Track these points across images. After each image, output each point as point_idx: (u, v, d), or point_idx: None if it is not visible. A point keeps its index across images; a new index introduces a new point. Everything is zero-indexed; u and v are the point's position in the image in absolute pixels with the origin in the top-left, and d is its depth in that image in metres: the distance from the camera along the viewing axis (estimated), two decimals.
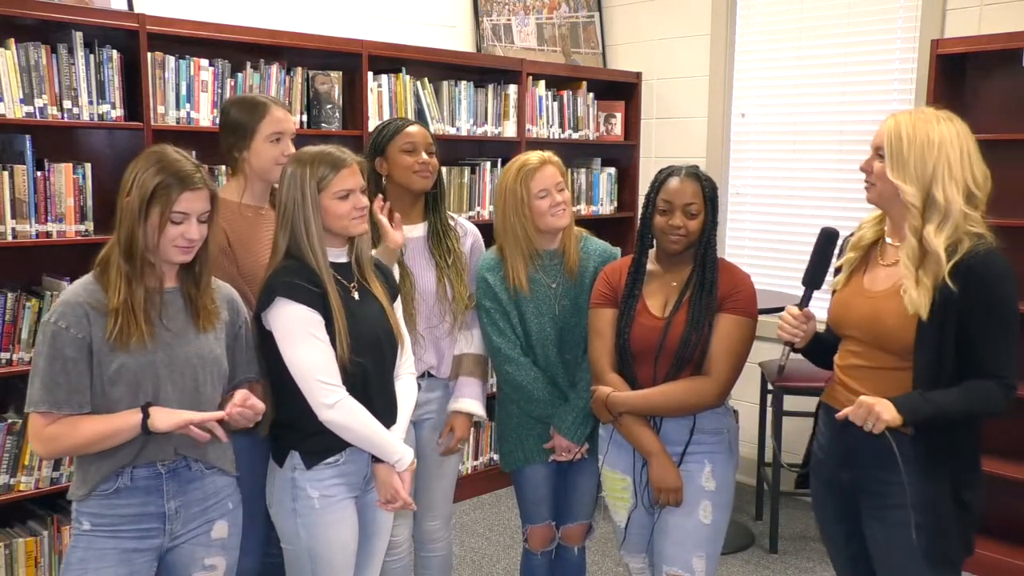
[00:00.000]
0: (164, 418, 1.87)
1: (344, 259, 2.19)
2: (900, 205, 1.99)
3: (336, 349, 2.08)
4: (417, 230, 2.63)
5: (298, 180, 2.10)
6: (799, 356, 2.26)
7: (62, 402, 1.86)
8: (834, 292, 2.19)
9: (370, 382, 2.15)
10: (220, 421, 1.92)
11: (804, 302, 2.19)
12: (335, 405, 2.07)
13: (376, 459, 2.17)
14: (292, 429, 2.14)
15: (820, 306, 2.18)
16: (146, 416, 1.86)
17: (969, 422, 1.99)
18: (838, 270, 2.20)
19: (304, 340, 2.06)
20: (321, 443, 2.11)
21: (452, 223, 2.69)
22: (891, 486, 2.02)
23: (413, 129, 2.58)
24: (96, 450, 1.89)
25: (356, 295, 2.18)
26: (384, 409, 2.19)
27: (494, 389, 2.74)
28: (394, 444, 2.16)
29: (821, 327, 2.24)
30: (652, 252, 2.40)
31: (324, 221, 2.11)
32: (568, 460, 2.57)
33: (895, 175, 1.97)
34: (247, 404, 1.95)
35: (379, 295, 2.22)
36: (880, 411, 1.88)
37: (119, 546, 1.92)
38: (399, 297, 2.35)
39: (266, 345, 2.12)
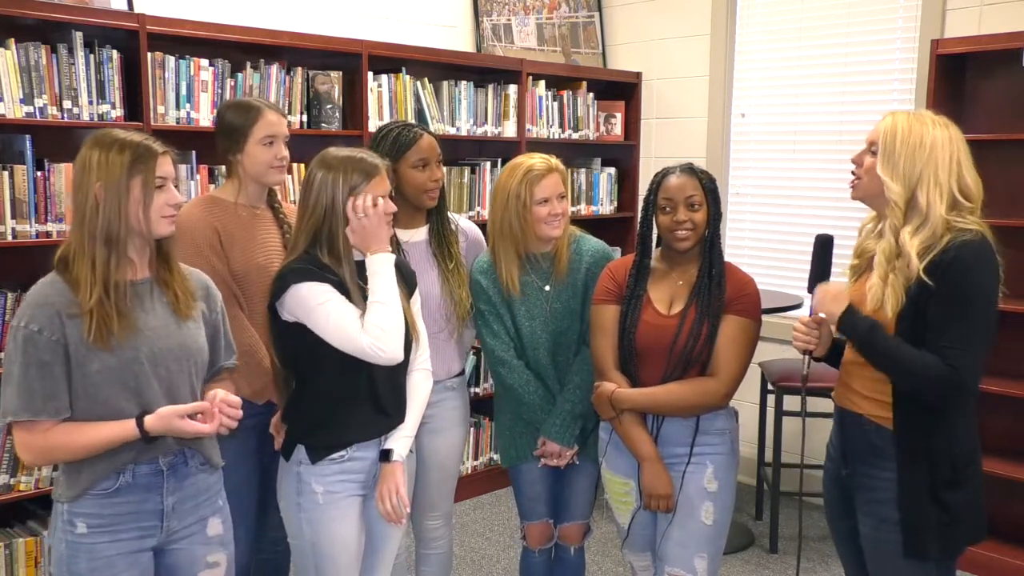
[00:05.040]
0: (155, 423, 1.83)
1: (360, 257, 2.18)
2: (884, 203, 2.01)
3: None
4: (419, 234, 2.62)
5: (329, 186, 2.08)
6: (822, 364, 2.25)
7: (39, 409, 1.79)
8: None
9: (378, 380, 2.14)
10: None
11: (813, 310, 2.19)
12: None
13: (383, 456, 2.17)
14: (298, 423, 2.15)
15: None
16: (141, 426, 1.83)
17: (952, 424, 1.99)
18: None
19: (330, 302, 2.04)
20: (326, 438, 2.12)
21: (453, 227, 2.68)
22: (878, 481, 2.04)
23: (424, 142, 2.53)
24: (92, 455, 1.85)
25: None
26: (393, 407, 2.19)
27: (491, 389, 2.73)
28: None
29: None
30: (657, 251, 2.40)
31: None
32: (558, 466, 2.56)
33: (884, 170, 1.99)
34: (224, 399, 1.88)
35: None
36: (829, 301, 2.04)
37: (122, 549, 1.89)
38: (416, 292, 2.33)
39: (281, 336, 2.12)
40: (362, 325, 2.04)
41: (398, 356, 2.08)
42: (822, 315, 2.13)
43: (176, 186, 1.94)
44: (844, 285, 2.09)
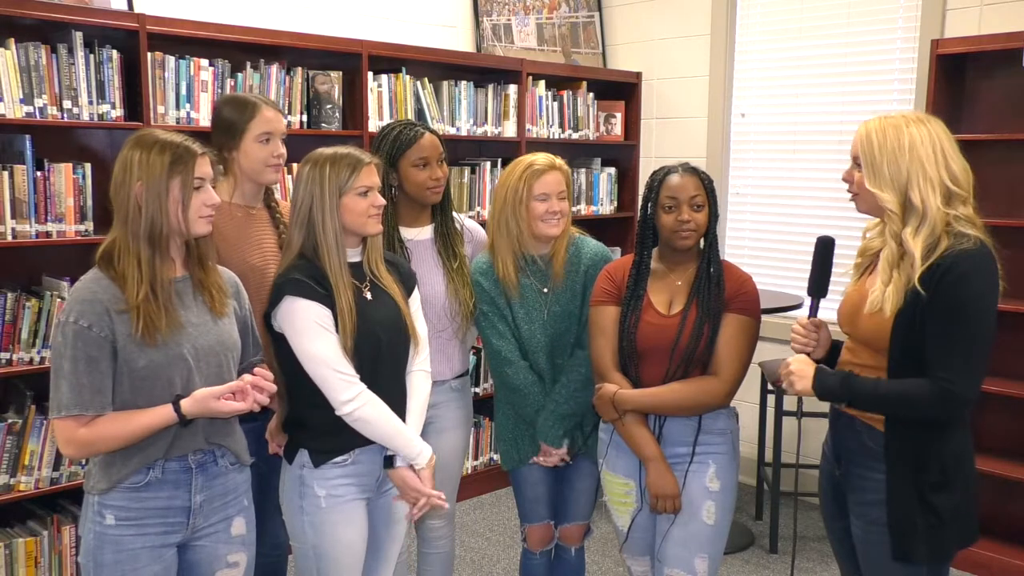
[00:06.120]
0: (192, 406, 1.87)
1: (357, 259, 2.19)
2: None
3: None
4: (424, 233, 2.62)
5: (317, 179, 2.10)
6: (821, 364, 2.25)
7: (88, 403, 1.83)
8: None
9: (377, 383, 2.14)
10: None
11: (812, 312, 2.18)
12: (355, 399, 2.07)
13: (388, 463, 2.17)
14: (301, 427, 2.16)
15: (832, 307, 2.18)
16: (178, 409, 1.87)
17: (941, 428, 1.97)
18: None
19: (317, 333, 2.06)
20: (329, 442, 2.12)
21: (459, 226, 2.68)
22: (868, 482, 2.04)
23: (425, 141, 2.53)
24: (131, 444, 1.88)
25: (368, 295, 2.17)
26: (396, 410, 2.18)
27: (491, 389, 2.73)
28: (413, 440, 2.16)
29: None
30: (655, 251, 2.40)
31: (342, 219, 2.11)
32: (552, 466, 2.57)
33: (871, 184, 1.97)
34: (260, 373, 1.94)
35: (394, 293, 2.21)
36: (795, 380, 2.02)
37: (148, 543, 1.91)
38: (416, 290, 2.33)
39: (277, 345, 2.13)
40: (342, 355, 2.06)
41: (348, 415, 2.09)
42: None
43: (214, 186, 1.97)
44: (802, 359, 2.06)
